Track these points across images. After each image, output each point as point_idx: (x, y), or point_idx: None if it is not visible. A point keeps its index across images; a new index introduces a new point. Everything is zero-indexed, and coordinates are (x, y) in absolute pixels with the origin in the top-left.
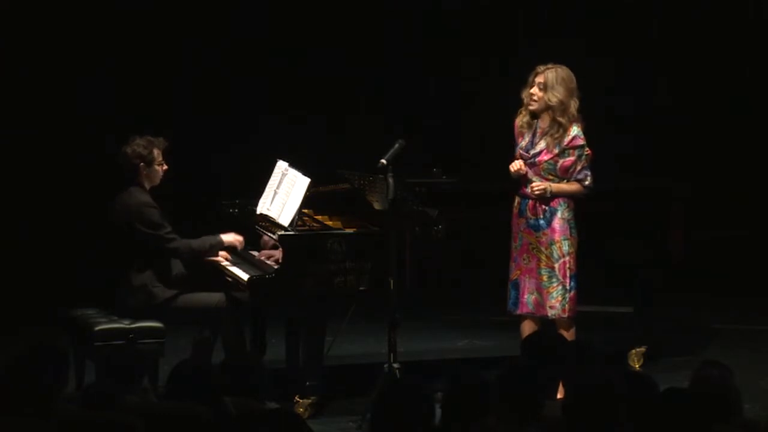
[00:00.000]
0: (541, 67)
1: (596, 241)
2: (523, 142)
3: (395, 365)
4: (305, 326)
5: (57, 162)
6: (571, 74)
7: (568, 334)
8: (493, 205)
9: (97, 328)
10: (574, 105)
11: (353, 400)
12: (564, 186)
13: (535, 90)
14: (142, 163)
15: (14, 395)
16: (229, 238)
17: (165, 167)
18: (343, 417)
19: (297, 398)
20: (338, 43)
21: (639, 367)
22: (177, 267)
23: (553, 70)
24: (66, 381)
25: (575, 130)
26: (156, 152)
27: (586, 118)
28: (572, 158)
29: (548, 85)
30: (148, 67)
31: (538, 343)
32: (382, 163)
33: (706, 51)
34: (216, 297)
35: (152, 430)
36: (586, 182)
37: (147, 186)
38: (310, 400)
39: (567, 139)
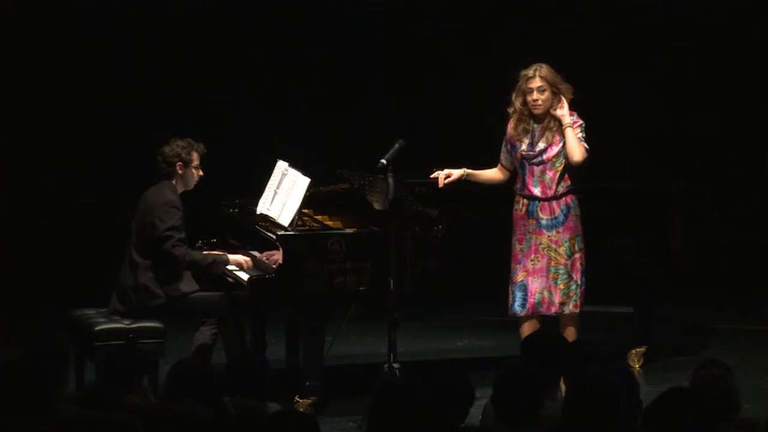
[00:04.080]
0: (530, 71)
1: (597, 241)
2: (523, 145)
3: (395, 365)
4: (305, 326)
5: (57, 162)
6: None
7: (575, 330)
8: (493, 205)
9: (97, 328)
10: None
11: (353, 400)
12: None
13: (537, 95)
14: (179, 163)
15: (14, 395)
16: (236, 257)
17: (201, 173)
18: (343, 417)
19: (297, 398)
20: (339, 43)
21: (639, 367)
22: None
23: (543, 68)
24: (66, 381)
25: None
26: (195, 155)
27: (588, 118)
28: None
29: (551, 82)
30: (148, 66)
31: (538, 343)
32: (382, 163)
33: (707, 51)
34: (216, 297)
35: (152, 430)
36: (584, 144)
37: (180, 188)
38: (310, 400)
39: (569, 120)
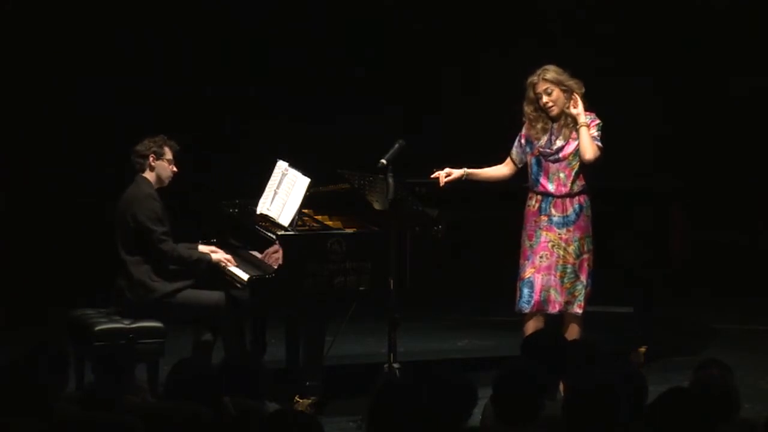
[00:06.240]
0: (534, 77)
1: (597, 241)
2: (542, 141)
3: (395, 365)
4: (305, 326)
5: (57, 161)
6: None
7: (578, 328)
8: (494, 205)
9: (97, 328)
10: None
11: (353, 400)
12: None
13: (546, 98)
14: (152, 155)
15: (14, 395)
16: (218, 256)
17: (175, 170)
18: (343, 417)
19: (297, 398)
20: (339, 43)
21: (639, 367)
22: None
23: (547, 71)
24: (66, 381)
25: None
26: (167, 150)
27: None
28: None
29: (556, 82)
30: (149, 66)
31: (538, 343)
32: (382, 163)
33: (707, 51)
34: (216, 296)
35: (152, 430)
36: (598, 143)
37: (155, 183)
38: (310, 400)
39: (586, 120)
